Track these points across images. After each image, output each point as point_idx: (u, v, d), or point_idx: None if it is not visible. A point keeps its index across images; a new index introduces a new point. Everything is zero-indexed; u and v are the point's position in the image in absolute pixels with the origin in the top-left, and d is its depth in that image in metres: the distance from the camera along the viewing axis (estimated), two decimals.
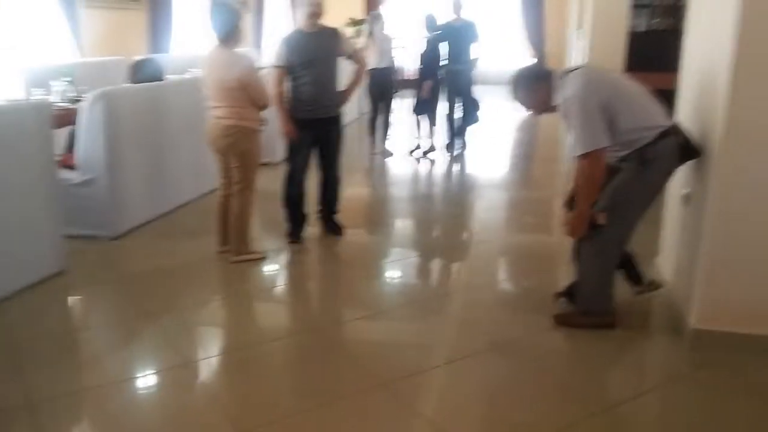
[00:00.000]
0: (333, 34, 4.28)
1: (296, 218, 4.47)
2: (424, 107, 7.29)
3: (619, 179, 2.98)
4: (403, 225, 5.24)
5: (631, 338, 3.17)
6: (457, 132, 7.44)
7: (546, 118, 2.95)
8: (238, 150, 3.87)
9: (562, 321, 3.24)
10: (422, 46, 7.25)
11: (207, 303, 3.62)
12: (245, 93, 3.77)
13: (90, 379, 2.80)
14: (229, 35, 3.77)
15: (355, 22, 13.45)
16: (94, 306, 3.66)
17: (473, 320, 3.38)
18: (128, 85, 4.70)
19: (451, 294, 3.78)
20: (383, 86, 7.26)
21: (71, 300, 3.70)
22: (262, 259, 4.10)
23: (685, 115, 3.45)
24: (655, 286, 3.32)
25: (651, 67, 6.49)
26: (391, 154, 7.42)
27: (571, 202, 3.18)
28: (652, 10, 8.53)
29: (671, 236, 3.58)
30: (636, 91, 2.96)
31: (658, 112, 2.96)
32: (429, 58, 7.17)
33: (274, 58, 4.19)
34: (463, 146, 7.50)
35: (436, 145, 7.40)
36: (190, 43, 10.50)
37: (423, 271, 4.25)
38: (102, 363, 2.96)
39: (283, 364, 3.02)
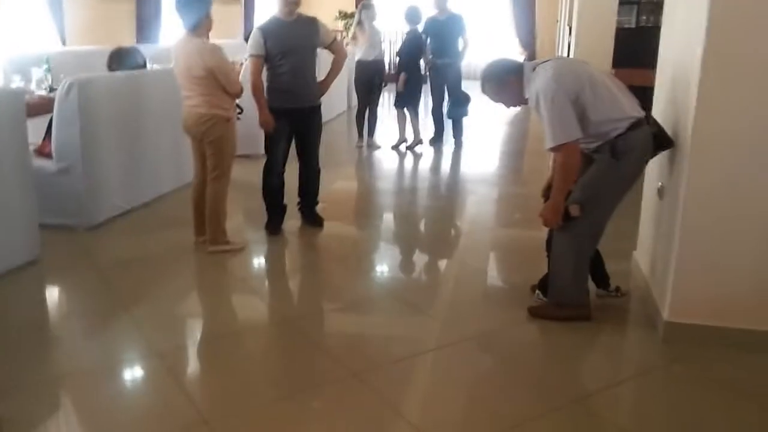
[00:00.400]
0: (311, 23, 4.24)
1: (275, 209, 4.43)
2: (403, 100, 7.23)
3: (592, 171, 2.97)
4: (386, 218, 5.22)
5: (605, 331, 3.16)
6: (453, 126, 7.41)
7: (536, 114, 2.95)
8: (211, 138, 3.83)
9: (536, 313, 3.23)
10: (401, 39, 7.25)
11: (181, 293, 3.59)
12: (215, 81, 3.73)
13: (59, 369, 2.76)
14: (198, 24, 3.72)
15: (346, 15, 13.41)
16: (67, 295, 3.63)
17: (451, 313, 3.37)
18: (105, 73, 4.64)
19: (431, 287, 3.77)
20: (370, 79, 7.21)
21: (43, 289, 3.66)
22: (240, 249, 4.06)
23: (659, 108, 3.45)
24: (620, 293, 3.33)
25: (638, 64, 6.50)
26: (378, 147, 7.39)
27: (548, 192, 3.17)
28: (640, 7, 8.55)
29: (647, 230, 3.57)
30: (607, 83, 2.95)
31: (629, 103, 2.95)
32: (407, 51, 7.13)
33: (251, 47, 4.12)
34: (460, 141, 7.45)
35: (421, 138, 7.36)
36: (180, 33, 10.44)
37: (403, 264, 4.23)
38: (72, 352, 2.93)
39: (256, 354, 2.99)
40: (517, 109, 3.30)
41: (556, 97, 2.80)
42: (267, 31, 4.10)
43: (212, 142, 3.85)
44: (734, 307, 2.88)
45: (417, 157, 7.11)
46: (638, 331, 3.21)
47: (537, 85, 2.88)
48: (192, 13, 3.70)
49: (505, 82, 3.03)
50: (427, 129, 7.62)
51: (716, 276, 2.86)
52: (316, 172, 4.49)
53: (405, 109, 7.29)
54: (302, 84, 4.19)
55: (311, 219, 4.56)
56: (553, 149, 2.87)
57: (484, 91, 3.12)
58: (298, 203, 4.58)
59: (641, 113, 2.95)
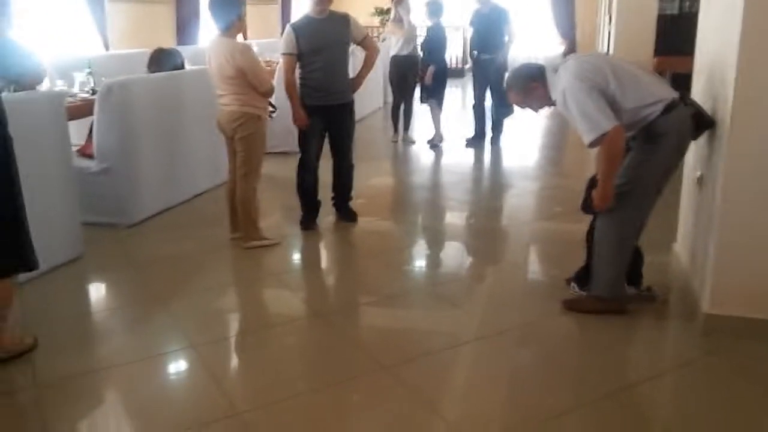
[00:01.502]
0: (343, 19, 4.25)
1: (310, 205, 4.47)
2: (428, 94, 7.16)
3: (631, 159, 2.90)
4: (422, 213, 5.20)
5: (644, 324, 3.10)
6: (494, 125, 7.29)
7: None
8: (241, 135, 3.91)
9: (572, 306, 3.18)
10: (425, 33, 7.16)
11: (217, 288, 3.64)
12: (246, 80, 3.79)
13: (100, 361, 2.85)
14: (230, 26, 3.82)
15: (381, 11, 13.41)
16: (109, 291, 3.74)
17: (487, 307, 3.35)
18: (143, 75, 4.75)
19: (467, 281, 3.75)
20: (405, 74, 7.18)
21: (86, 285, 3.78)
22: (275, 244, 4.11)
23: (697, 97, 3.35)
24: (650, 295, 3.23)
25: (681, 51, 6.32)
26: (414, 142, 7.37)
27: (593, 182, 3.08)
28: None
29: (687, 221, 3.48)
30: (631, 70, 2.89)
31: (659, 86, 2.89)
32: (431, 45, 7.06)
33: (283, 46, 4.16)
34: (498, 142, 7.31)
35: (442, 134, 7.25)
36: (213, 34, 10.61)
37: (439, 258, 4.22)
38: (112, 345, 3.02)
39: (290, 348, 3.02)
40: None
41: (583, 91, 2.75)
42: (299, 29, 4.14)
43: (242, 139, 3.92)
44: None
45: (451, 152, 7.05)
46: (677, 324, 3.14)
47: (562, 85, 2.84)
48: (224, 15, 3.80)
49: (530, 88, 3.01)
50: (467, 125, 7.56)
51: (757, 267, 2.77)
52: (350, 168, 4.51)
53: (428, 103, 7.21)
54: (335, 81, 4.21)
55: (345, 214, 4.58)
56: (593, 143, 2.78)
57: (510, 99, 3.12)
58: (333, 198, 4.61)
59: (675, 94, 2.87)
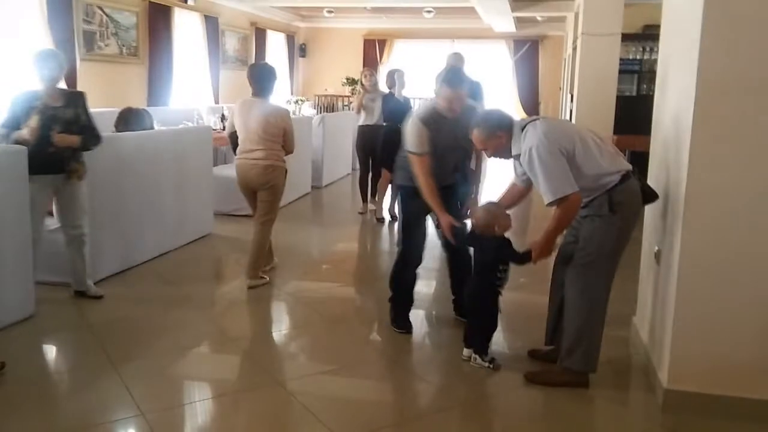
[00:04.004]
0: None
1: (409, 303, 3.90)
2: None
3: (592, 231, 2.97)
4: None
5: (604, 398, 3.08)
6: None
7: None
8: (271, 185, 4.39)
9: (534, 378, 3.16)
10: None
11: (172, 352, 3.52)
12: (280, 139, 4.36)
13: (42, 429, 2.70)
14: (269, 89, 4.42)
15: (352, 81, 13.70)
16: (59, 352, 3.61)
17: (447, 377, 3.31)
18: (109, 134, 4.71)
19: (429, 350, 3.70)
20: (371, 143, 7.16)
21: (37, 345, 3.62)
22: (266, 283, 4.53)
23: (653, 172, 3.49)
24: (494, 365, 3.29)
25: (639, 130, 6.57)
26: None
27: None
28: (640, 76, 8.73)
29: (646, 295, 3.53)
30: (594, 139, 3.00)
31: (618, 157, 3.02)
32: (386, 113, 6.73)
33: (415, 143, 3.46)
34: None
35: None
36: (188, 96, 10.72)
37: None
38: (59, 410, 2.89)
39: (242, 417, 2.91)
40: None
41: (549, 153, 2.84)
42: (431, 127, 3.47)
43: (272, 188, 4.41)
44: (734, 375, 2.80)
45: None
46: (638, 399, 3.14)
47: (528, 142, 2.92)
48: (270, 84, 4.45)
49: (494, 135, 3.07)
50: None
51: (715, 343, 2.80)
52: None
53: None
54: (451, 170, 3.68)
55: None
56: (553, 203, 2.88)
57: (471, 135, 3.15)
58: (454, 300, 4.08)
59: (629, 166, 3.00)
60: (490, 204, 3.36)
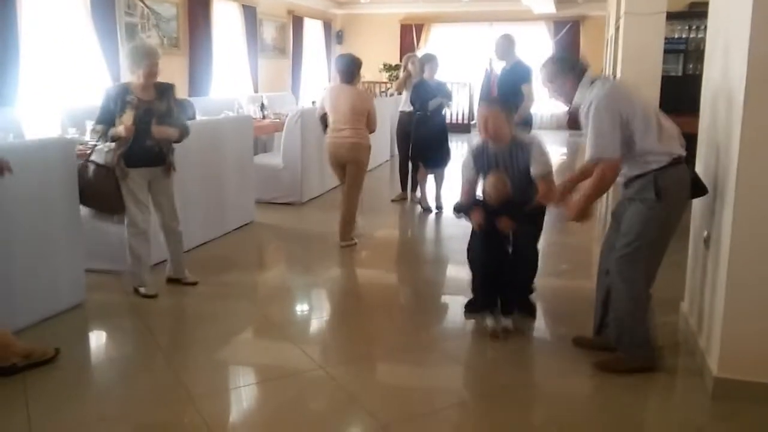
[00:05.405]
0: (524, 147, 3.56)
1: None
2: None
3: (637, 216, 2.92)
4: (428, 266, 5.17)
5: (653, 386, 3.03)
6: None
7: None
8: (358, 159, 5.06)
9: (605, 367, 3.11)
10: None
11: (219, 339, 3.59)
12: (365, 118, 5.03)
13: (93, 414, 2.80)
14: (354, 76, 5.08)
15: (390, 68, 13.59)
16: (109, 339, 3.71)
17: (491, 364, 3.31)
18: None
19: (471, 337, 3.69)
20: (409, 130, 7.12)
21: (87, 332, 3.75)
22: (354, 244, 5.20)
23: (701, 154, 3.38)
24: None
25: (684, 110, 6.40)
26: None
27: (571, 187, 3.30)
28: (686, 55, 8.48)
29: (695, 280, 3.44)
30: (658, 116, 2.94)
31: (676, 140, 2.94)
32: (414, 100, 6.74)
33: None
34: None
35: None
36: (228, 86, 10.83)
37: (444, 312, 4.16)
38: (110, 397, 2.98)
39: (288, 402, 2.94)
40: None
41: (607, 113, 2.82)
42: (479, 158, 3.63)
43: (358, 163, 5.10)
44: None
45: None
46: (687, 387, 3.08)
47: (592, 95, 2.90)
48: (353, 73, 5.11)
49: (563, 75, 3.04)
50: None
51: (765, 330, 2.72)
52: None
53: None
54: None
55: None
56: (591, 160, 2.90)
57: (540, 70, 3.14)
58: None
59: (683, 152, 2.93)
60: (492, 177, 3.49)
